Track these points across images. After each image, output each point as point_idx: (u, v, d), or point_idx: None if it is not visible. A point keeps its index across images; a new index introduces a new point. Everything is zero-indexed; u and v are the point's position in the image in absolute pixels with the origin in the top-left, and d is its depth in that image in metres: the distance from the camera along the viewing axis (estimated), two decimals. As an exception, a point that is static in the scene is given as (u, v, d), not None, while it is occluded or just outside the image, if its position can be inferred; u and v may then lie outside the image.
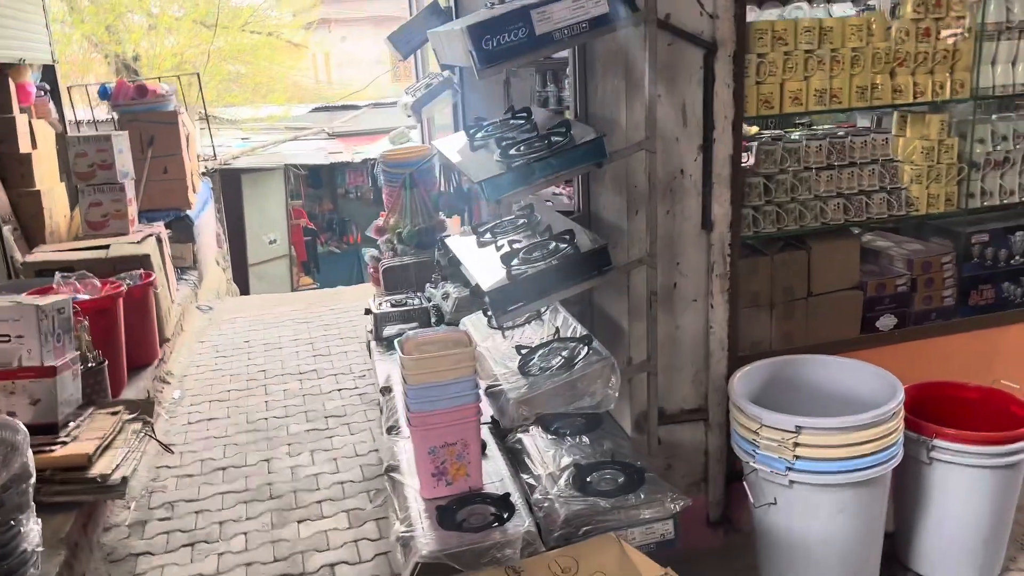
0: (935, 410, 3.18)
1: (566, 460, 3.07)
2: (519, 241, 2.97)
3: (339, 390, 5.74)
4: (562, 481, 2.93)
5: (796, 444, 2.81)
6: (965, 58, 3.28)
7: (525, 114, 3.10)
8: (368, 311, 5.16)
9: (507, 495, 2.86)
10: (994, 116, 3.61)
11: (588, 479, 2.93)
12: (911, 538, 3.23)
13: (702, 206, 3.08)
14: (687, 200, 3.07)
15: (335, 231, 15.22)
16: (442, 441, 2.88)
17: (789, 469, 2.84)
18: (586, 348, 2.92)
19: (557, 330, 3.13)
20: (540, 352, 3.00)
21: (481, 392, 2.90)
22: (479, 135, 3.16)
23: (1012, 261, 3.61)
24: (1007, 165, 3.50)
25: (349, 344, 6.71)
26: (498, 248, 3.12)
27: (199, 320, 7.56)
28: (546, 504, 2.83)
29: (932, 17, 3.21)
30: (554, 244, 2.83)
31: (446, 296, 4.81)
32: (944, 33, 3.22)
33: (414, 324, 5.11)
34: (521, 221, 3.27)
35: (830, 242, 3.38)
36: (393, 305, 5.13)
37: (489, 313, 3.54)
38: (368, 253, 6.80)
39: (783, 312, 3.36)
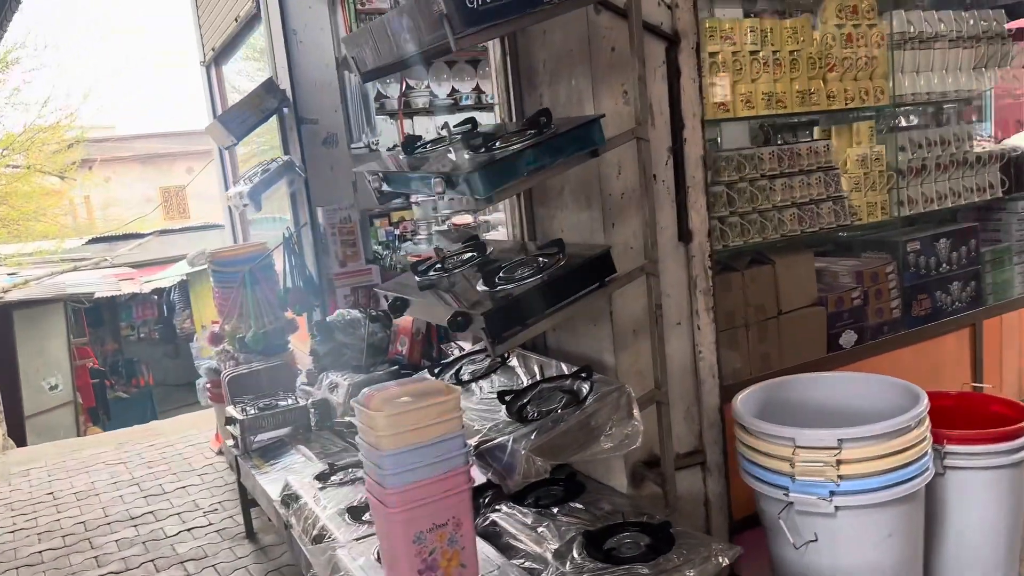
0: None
1: (567, 531, 2.49)
2: (491, 265, 2.46)
3: (189, 530, 4.69)
4: (575, 555, 2.34)
5: (839, 462, 2.44)
6: (882, 66, 3.29)
7: (469, 124, 2.65)
8: (231, 420, 4.29)
9: (520, 581, 2.23)
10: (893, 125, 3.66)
11: (606, 547, 2.37)
12: (927, 562, 2.93)
13: (677, 215, 2.75)
14: (662, 209, 2.72)
15: (122, 373, 13.52)
16: (429, 523, 2.21)
17: (833, 494, 2.46)
18: (588, 382, 2.42)
19: (540, 370, 2.61)
20: (532, 395, 2.46)
21: (470, 452, 2.29)
22: (418, 152, 2.66)
23: (940, 269, 3.60)
24: (925, 173, 3.52)
25: (186, 478, 5.63)
26: (451, 284, 2.59)
27: (-21, 478, 6.08)
28: (569, 584, 2.23)
29: (851, 24, 3.20)
30: (542, 259, 2.35)
31: (334, 387, 4.09)
32: (861, 40, 3.21)
33: (288, 429, 4.33)
34: (469, 254, 2.76)
35: (790, 256, 3.17)
36: (262, 409, 4.31)
37: (438, 370, 2.95)
38: (203, 366, 5.87)
39: (757, 333, 3.07)
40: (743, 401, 2.74)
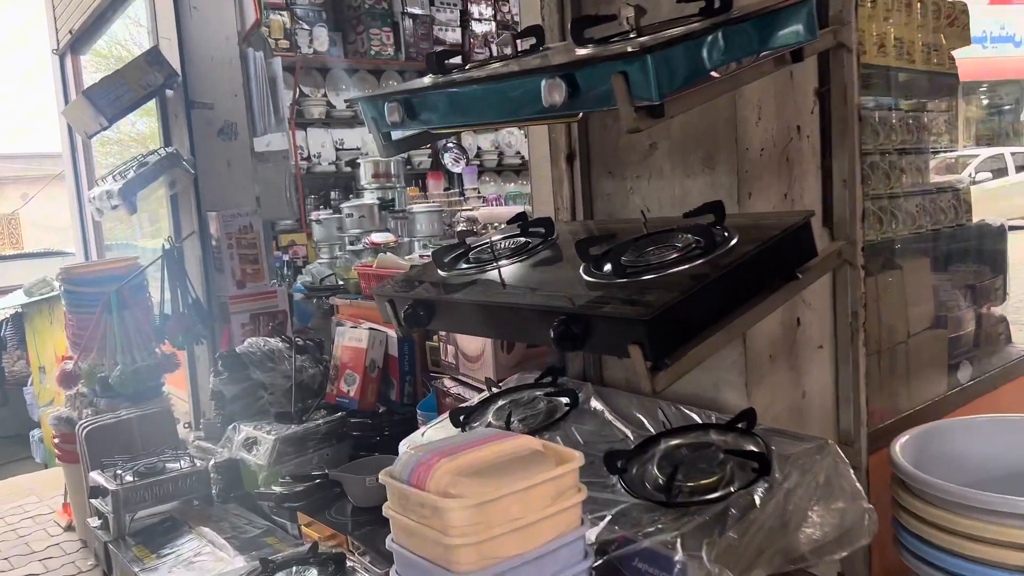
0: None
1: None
2: (599, 246, 1.50)
3: (27, 641, 3.38)
4: None
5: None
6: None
7: (534, 36, 1.71)
8: (99, 491, 3.05)
9: None
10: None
11: None
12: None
13: (822, 188, 1.90)
14: (804, 178, 1.88)
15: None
16: None
17: (1091, 597, 1.64)
18: (755, 436, 1.49)
19: (662, 415, 1.66)
20: (660, 458, 1.50)
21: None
22: (456, 72, 1.68)
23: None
24: None
25: (24, 565, 4.28)
26: (514, 279, 1.61)
27: None
28: None
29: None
30: (696, 236, 1.42)
31: (251, 444, 2.97)
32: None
33: (178, 502, 3.14)
34: (521, 240, 1.79)
35: (912, 260, 2.39)
36: (142, 474, 3.08)
37: (463, 417, 1.92)
38: (51, 414, 4.52)
39: (888, 362, 2.25)
40: (901, 450, 1.90)
